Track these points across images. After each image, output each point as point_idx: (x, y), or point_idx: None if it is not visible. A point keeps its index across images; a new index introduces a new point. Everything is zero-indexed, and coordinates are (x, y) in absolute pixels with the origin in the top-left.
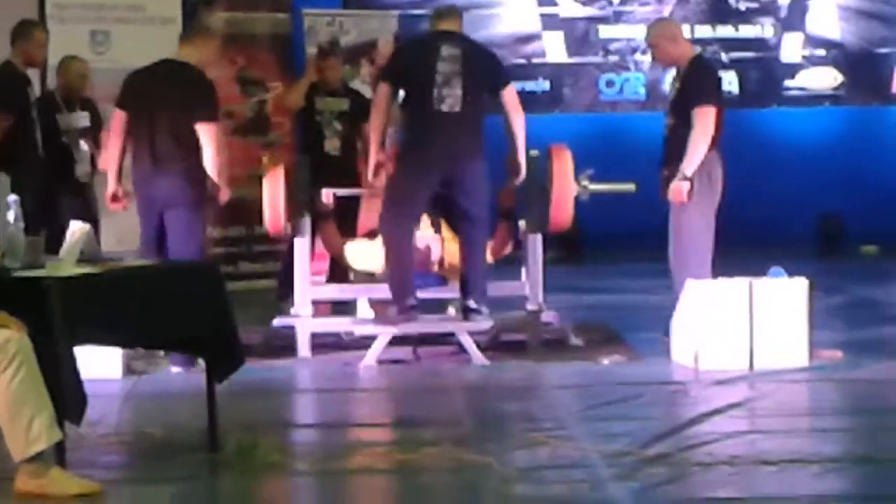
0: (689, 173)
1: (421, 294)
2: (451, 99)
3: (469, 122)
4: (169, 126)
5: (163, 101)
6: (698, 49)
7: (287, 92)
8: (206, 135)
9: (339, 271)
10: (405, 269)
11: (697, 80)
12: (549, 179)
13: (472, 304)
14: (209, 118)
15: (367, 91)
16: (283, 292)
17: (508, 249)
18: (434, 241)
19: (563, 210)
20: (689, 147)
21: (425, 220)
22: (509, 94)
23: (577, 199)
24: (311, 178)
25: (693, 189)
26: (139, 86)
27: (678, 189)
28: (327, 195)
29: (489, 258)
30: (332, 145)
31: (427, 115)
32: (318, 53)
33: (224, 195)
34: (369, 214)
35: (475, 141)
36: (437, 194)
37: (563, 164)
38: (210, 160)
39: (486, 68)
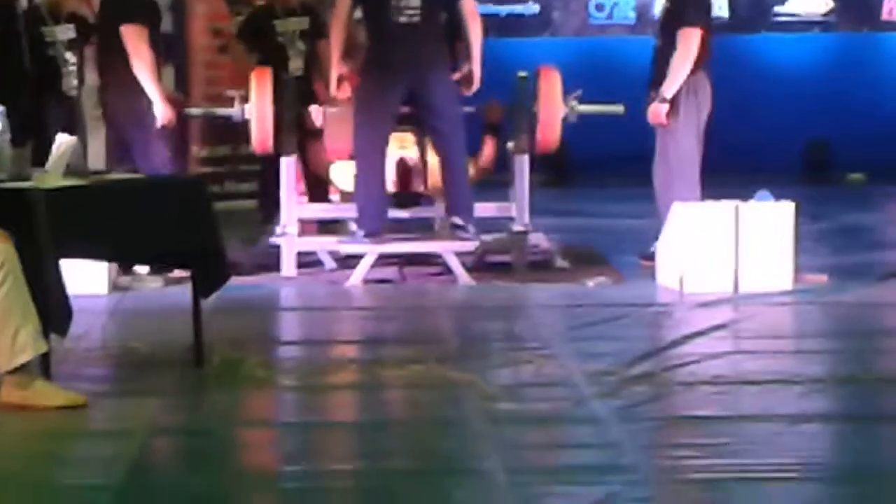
0: (668, 95)
1: (407, 214)
2: (409, 10)
3: (429, 33)
4: (103, 40)
5: (100, 17)
6: None
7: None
8: (123, 38)
9: (319, 191)
10: (375, 187)
11: (685, 2)
12: (537, 100)
13: (457, 220)
14: (125, 19)
15: None
16: (267, 213)
17: (490, 166)
18: (413, 159)
19: (550, 131)
20: (670, 69)
21: (410, 139)
22: (468, 3)
23: (564, 120)
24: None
25: (679, 111)
26: (99, 5)
27: (656, 111)
28: (318, 113)
29: (473, 174)
30: (295, 66)
31: (386, 28)
32: None
33: (158, 109)
34: (331, 133)
35: (437, 52)
36: (413, 110)
37: (552, 85)
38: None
39: None
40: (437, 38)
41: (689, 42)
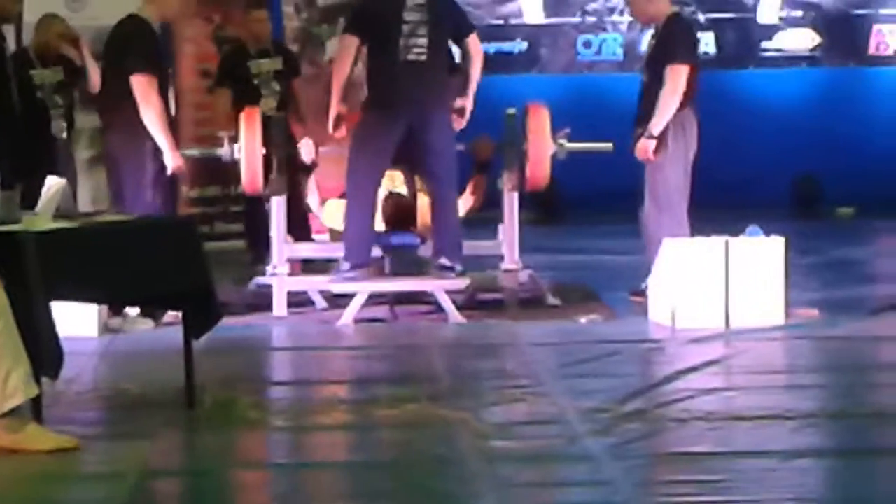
0: (656, 132)
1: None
2: (417, 48)
3: (434, 70)
4: (108, 82)
5: (106, 57)
6: (676, 7)
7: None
8: (132, 87)
9: (303, 231)
10: (365, 222)
11: (672, 38)
12: (526, 138)
13: (444, 261)
14: (133, 69)
15: None
16: (256, 253)
17: (478, 203)
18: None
19: (539, 168)
20: (658, 105)
21: (400, 178)
22: (473, 41)
23: (553, 157)
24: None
25: (667, 147)
26: (104, 49)
27: (644, 147)
28: (309, 151)
29: (461, 212)
30: (267, 105)
31: (393, 66)
32: (248, 5)
33: (168, 158)
34: (323, 172)
35: (440, 90)
36: (405, 149)
37: (540, 121)
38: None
39: (451, 16)
40: (440, 77)
41: (678, 79)
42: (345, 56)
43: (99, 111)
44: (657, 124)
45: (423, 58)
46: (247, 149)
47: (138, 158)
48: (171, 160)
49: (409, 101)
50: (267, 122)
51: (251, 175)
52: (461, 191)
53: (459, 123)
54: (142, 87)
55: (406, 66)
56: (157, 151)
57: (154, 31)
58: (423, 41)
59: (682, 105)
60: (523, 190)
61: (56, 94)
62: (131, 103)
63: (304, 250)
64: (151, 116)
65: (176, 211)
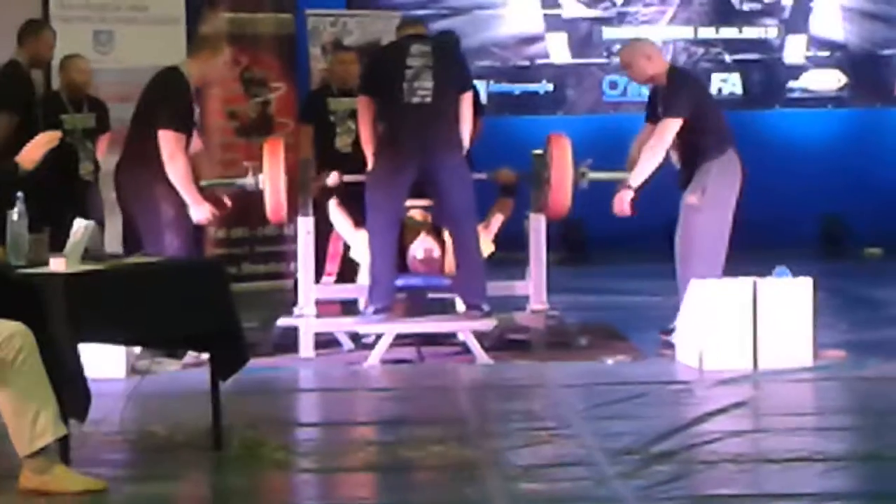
0: (634, 184)
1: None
2: (422, 91)
3: (441, 113)
4: (133, 132)
5: (137, 107)
6: (669, 63)
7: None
8: (160, 141)
9: (349, 271)
10: (386, 266)
11: (669, 94)
12: (548, 167)
13: (470, 301)
14: (162, 125)
15: None
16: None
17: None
18: (432, 243)
19: (561, 195)
20: (640, 158)
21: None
22: (467, 99)
23: (576, 187)
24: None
25: (707, 190)
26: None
27: (620, 199)
28: (334, 179)
29: (489, 241)
30: (342, 142)
31: (399, 109)
32: (335, 47)
33: (195, 211)
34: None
35: (449, 132)
36: (422, 190)
37: (562, 151)
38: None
39: (456, 65)
40: (448, 118)
41: (666, 132)
42: (363, 117)
43: (122, 151)
44: (637, 176)
45: (429, 100)
46: (270, 178)
47: (151, 201)
48: (198, 213)
49: (416, 142)
50: (341, 159)
51: (275, 205)
52: (482, 219)
53: None
54: (169, 143)
55: (411, 108)
56: (172, 194)
57: (190, 89)
58: (429, 84)
59: (724, 149)
60: (547, 219)
61: (87, 139)
62: (146, 148)
63: (332, 291)
64: (177, 172)
65: (203, 252)
